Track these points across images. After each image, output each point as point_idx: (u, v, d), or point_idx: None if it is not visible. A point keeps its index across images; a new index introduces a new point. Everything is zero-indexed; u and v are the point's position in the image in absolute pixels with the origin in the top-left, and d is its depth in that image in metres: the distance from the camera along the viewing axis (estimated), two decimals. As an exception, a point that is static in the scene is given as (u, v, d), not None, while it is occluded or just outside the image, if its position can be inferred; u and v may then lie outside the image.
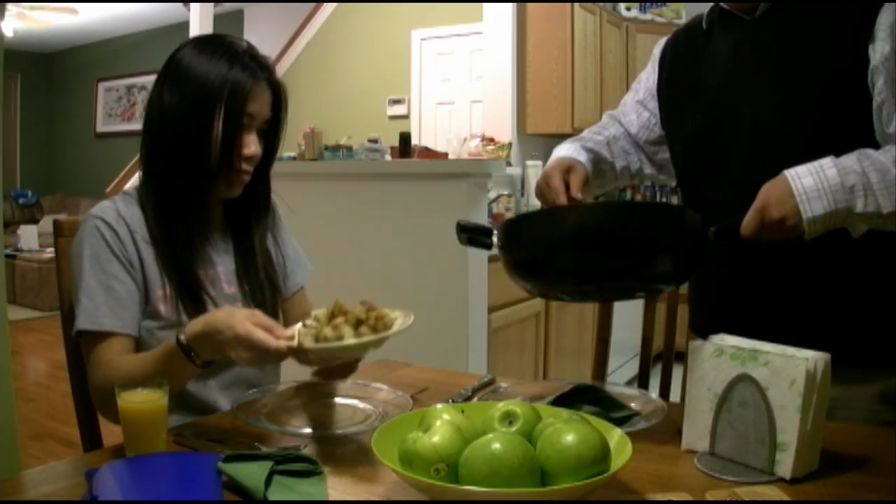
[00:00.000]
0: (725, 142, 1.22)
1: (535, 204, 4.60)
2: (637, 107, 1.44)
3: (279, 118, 1.32)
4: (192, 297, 1.25)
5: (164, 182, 1.26)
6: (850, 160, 1.01)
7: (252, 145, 1.26)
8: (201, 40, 1.28)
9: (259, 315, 1.06)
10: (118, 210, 1.24)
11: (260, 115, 1.26)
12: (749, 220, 1.04)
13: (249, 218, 1.38)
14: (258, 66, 1.25)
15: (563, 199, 1.25)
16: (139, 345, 1.22)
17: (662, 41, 1.43)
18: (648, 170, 1.48)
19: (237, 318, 1.04)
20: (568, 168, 1.30)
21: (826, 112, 1.10)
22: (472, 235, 1.20)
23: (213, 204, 1.33)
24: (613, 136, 1.46)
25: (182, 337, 1.08)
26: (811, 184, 1.00)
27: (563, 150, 1.37)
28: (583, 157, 1.35)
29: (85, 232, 1.22)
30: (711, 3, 1.29)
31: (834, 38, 1.10)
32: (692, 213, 1.09)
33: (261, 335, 1.02)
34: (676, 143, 1.37)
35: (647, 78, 1.43)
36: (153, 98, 1.27)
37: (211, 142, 1.22)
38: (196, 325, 1.08)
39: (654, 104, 1.41)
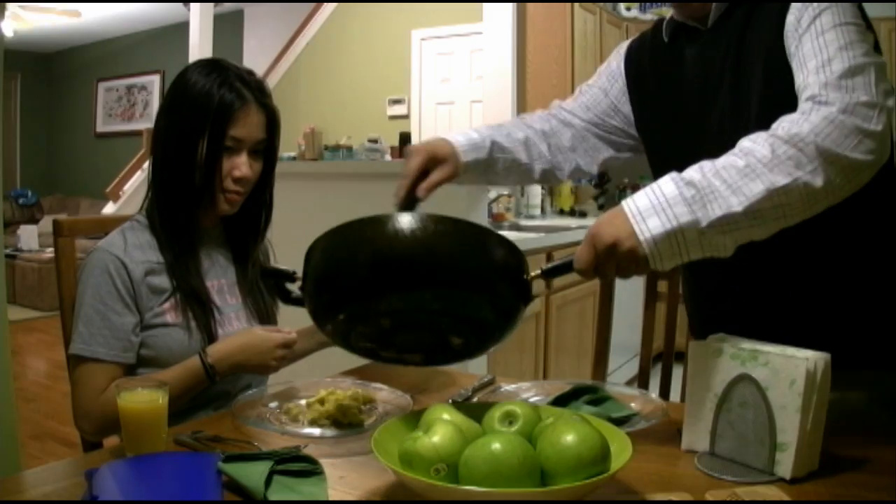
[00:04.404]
0: (695, 155, 1.14)
1: (536, 204, 4.56)
2: (609, 109, 1.34)
3: (274, 141, 1.34)
4: (200, 304, 1.29)
5: (161, 198, 1.30)
6: (691, 171, 0.93)
7: (242, 167, 1.28)
8: (202, 63, 1.31)
9: (267, 327, 1.31)
10: (126, 240, 1.28)
11: (249, 138, 1.28)
12: (580, 252, 0.95)
13: (247, 235, 1.41)
14: (249, 90, 1.28)
15: (402, 191, 1.18)
16: (130, 369, 1.26)
17: (625, 44, 1.36)
18: (605, 154, 1.35)
19: (261, 333, 1.27)
20: (438, 157, 1.19)
21: (776, 118, 1.02)
22: (276, 281, 1.04)
23: (211, 219, 1.36)
24: (546, 131, 1.34)
25: (209, 360, 1.22)
26: (645, 203, 0.91)
27: (463, 137, 1.23)
28: (475, 155, 1.24)
29: (92, 263, 1.25)
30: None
31: (775, 42, 1.06)
32: (502, 245, 0.93)
33: (285, 335, 1.27)
34: (652, 157, 1.32)
35: (615, 79, 1.34)
36: (156, 117, 1.32)
37: (195, 161, 1.25)
38: (226, 347, 1.24)
39: (627, 108, 1.33)
